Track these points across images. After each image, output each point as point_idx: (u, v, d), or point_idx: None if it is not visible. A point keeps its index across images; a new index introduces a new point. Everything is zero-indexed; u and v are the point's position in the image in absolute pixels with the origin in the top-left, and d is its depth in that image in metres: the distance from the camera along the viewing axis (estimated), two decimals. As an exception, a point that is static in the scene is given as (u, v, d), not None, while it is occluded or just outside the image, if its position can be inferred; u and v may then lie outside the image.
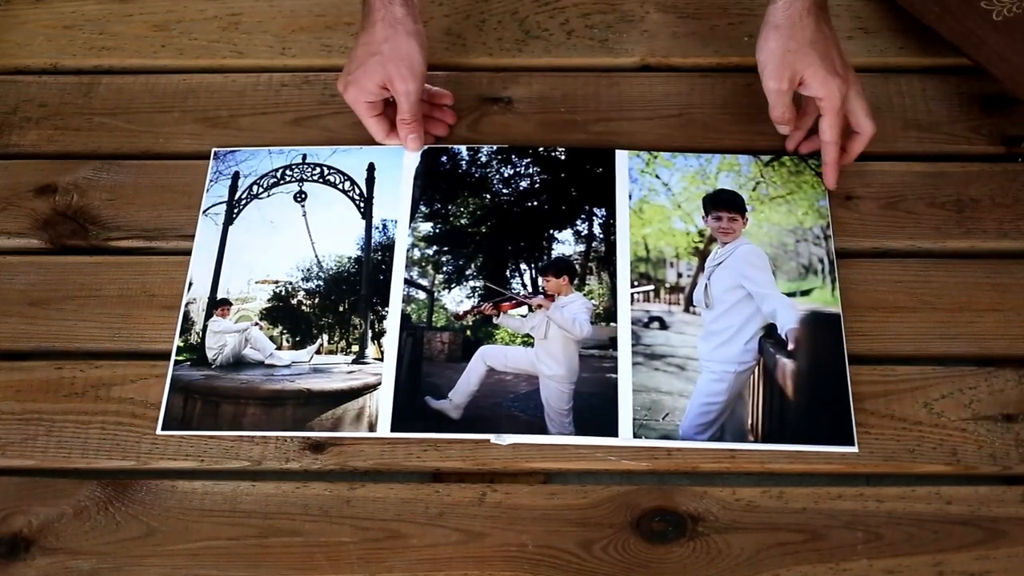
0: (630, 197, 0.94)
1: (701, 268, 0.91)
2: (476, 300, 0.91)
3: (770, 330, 0.88)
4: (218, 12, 1.11)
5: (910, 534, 0.80)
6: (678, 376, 0.86)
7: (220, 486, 0.84)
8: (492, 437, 0.85)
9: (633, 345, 0.88)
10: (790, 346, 0.86)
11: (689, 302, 0.90)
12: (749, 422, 0.84)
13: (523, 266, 0.93)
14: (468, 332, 0.90)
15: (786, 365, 0.86)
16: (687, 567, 0.79)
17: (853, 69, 0.91)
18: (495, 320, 0.90)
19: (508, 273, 0.92)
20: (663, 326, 0.89)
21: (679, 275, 0.91)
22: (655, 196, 0.95)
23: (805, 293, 0.89)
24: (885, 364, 0.88)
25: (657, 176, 0.96)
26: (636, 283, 0.91)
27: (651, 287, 0.91)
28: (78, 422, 0.87)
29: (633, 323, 0.89)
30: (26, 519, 0.83)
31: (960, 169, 0.97)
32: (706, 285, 0.90)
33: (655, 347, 0.88)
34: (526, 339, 0.89)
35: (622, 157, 0.96)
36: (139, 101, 1.05)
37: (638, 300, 0.90)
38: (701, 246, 0.92)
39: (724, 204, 0.94)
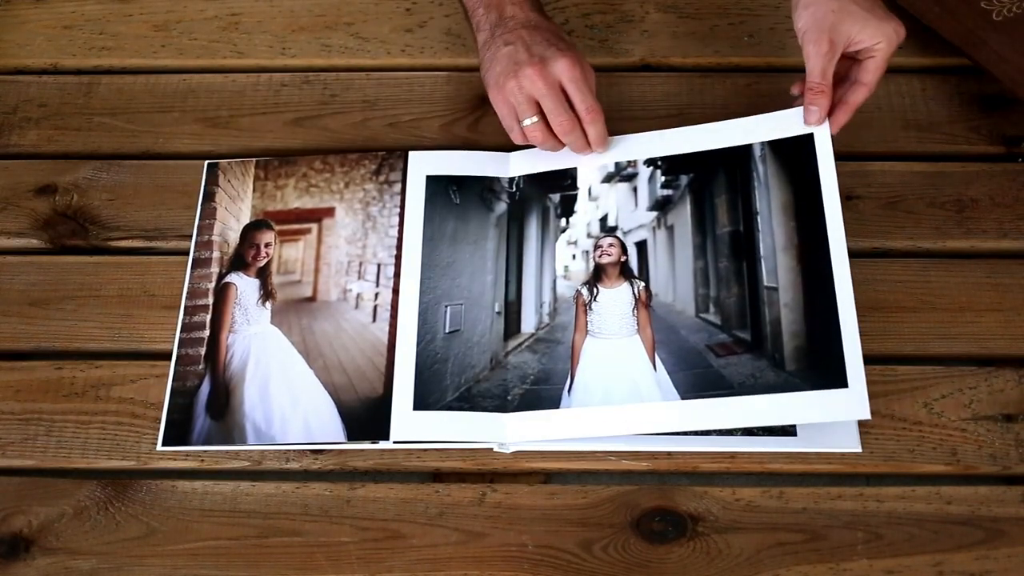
0: None
1: None
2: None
3: None
4: (218, 12, 1.11)
5: (910, 534, 0.80)
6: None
7: (220, 486, 0.84)
8: (495, 446, 0.85)
9: None
10: None
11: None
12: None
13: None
14: None
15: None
16: (687, 567, 0.79)
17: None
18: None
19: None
20: None
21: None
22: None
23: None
24: (885, 364, 0.88)
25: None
26: None
27: None
28: (78, 422, 0.87)
29: None
30: (26, 519, 0.83)
31: (960, 169, 0.97)
32: None
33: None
34: None
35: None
36: (139, 101, 1.05)
37: None
38: None
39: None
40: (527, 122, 0.90)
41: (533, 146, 0.93)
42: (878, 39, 0.85)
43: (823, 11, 0.85)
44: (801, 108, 0.89)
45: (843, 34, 0.85)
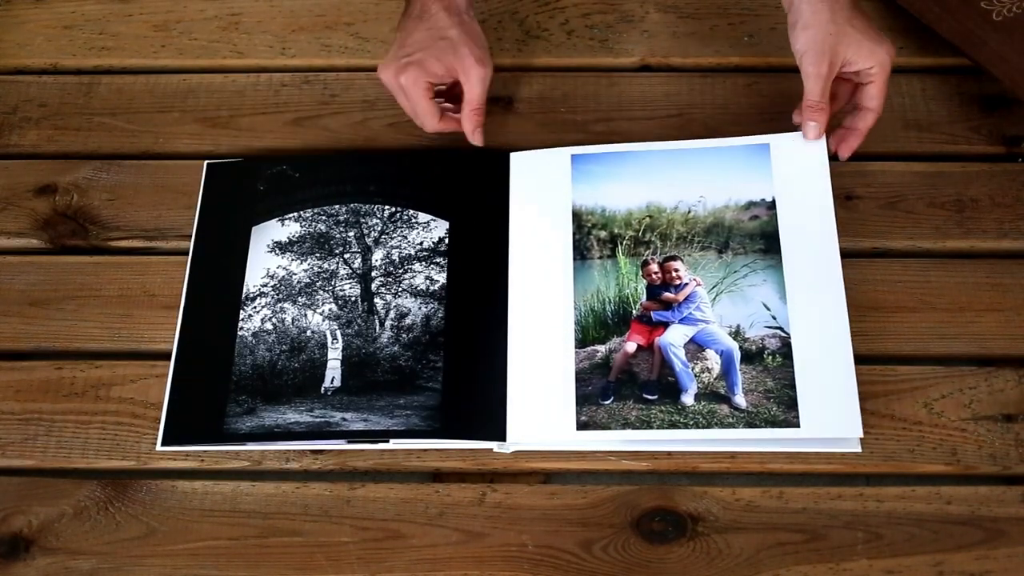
0: None
1: None
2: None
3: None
4: (218, 12, 1.11)
5: (910, 534, 0.80)
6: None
7: (220, 486, 0.84)
8: (495, 446, 0.85)
9: None
10: None
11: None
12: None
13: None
14: None
15: None
16: (687, 567, 0.79)
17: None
18: None
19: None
20: None
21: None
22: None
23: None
24: (885, 364, 0.88)
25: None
26: None
27: None
28: (78, 422, 0.87)
29: None
30: (26, 519, 0.83)
31: (960, 169, 0.97)
32: None
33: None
34: None
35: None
36: (139, 101, 1.05)
37: None
38: None
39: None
40: None
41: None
42: (871, 64, 0.88)
43: (822, 34, 0.87)
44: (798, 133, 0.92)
45: (840, 55, 0.88)
